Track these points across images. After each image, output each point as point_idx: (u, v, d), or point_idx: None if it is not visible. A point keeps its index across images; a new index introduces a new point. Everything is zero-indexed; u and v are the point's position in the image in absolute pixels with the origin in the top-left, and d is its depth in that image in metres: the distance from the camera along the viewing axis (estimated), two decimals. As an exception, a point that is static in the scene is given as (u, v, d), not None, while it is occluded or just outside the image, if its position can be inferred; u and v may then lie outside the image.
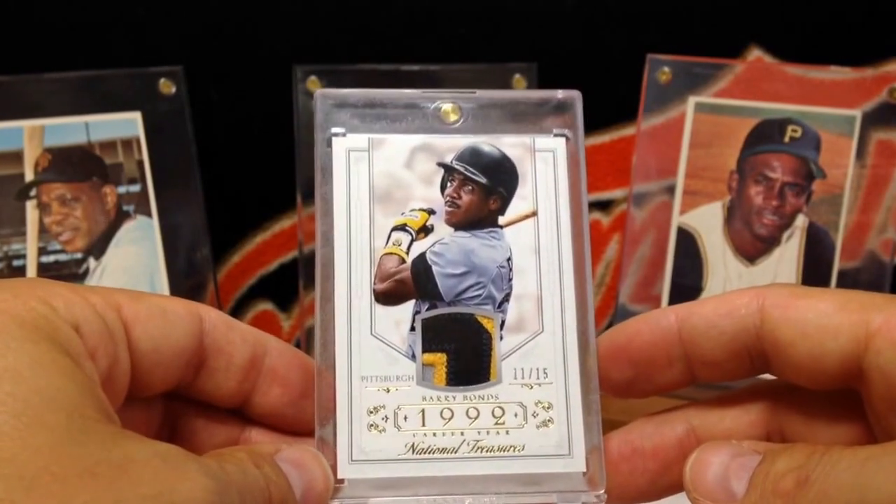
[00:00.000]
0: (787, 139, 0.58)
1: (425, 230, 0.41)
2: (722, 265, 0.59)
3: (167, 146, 0.69)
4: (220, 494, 0.24)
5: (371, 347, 0.39)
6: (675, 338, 0.34)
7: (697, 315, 0.32)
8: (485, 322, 0.40)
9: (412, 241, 0.40)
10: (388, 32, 0.74)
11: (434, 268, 0.40)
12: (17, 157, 0.64)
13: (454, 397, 0.39)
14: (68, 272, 0.66)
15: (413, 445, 0.38)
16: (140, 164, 0.68)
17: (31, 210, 0.65)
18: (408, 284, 0.40)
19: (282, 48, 0.75)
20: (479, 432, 0.39)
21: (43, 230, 0.65)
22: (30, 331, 0.23)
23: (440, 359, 0.40)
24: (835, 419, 0.30)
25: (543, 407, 0.39)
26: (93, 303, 0.27)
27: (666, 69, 0.59)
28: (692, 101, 0.59)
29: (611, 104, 0.72)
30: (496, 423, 0.39)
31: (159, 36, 0.75)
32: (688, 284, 0.58)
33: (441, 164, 0.41)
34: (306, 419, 0.38)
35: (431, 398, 0.39)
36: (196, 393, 0.35)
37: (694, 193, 0.59)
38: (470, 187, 0.41)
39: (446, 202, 0.41)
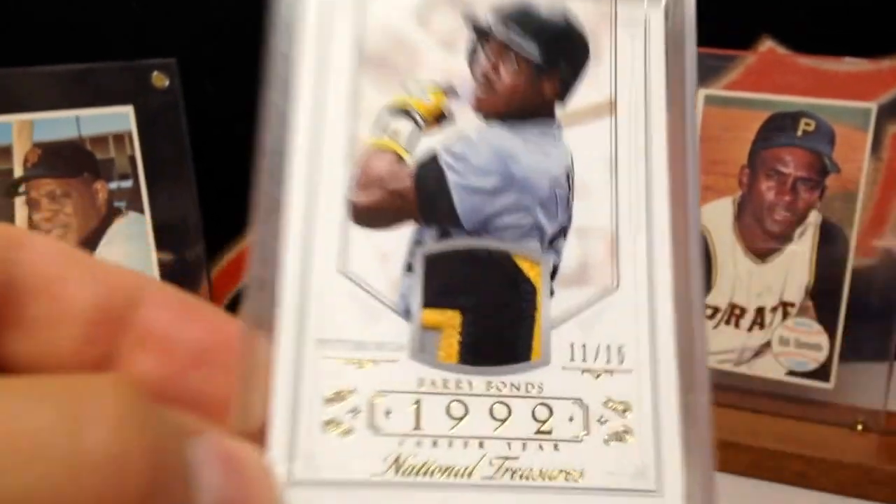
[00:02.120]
0: (799, 133, 0.57)
1: (440, 118, 0.25)
2: (732, 263, 0.56)
3: (160, 141, 0.68)
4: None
5: (338, 293, 0.24)
6: None
7: None
8: (527, 267, 0.25)
9: (419, 131, 0.25)
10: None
11: (451, 176, 0.25)
12: (5, 152, 0.64)
13: (471, 384, 0.24)
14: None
15: (398, 461, 0.23)
16: (132, 159, 0.67)
17: (19, 206, 0.65)
18: (407, 198, 0.25)
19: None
20: (509, 444, 0.23)
21: (32, 227, 0.64)
22: None
23: (451, 320, 0.24)
24: None
25: (616, 409, 0.24)
26: None
27: (676, 60, 0.54)
28: (702, 93, 0.57)
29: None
30: (539, 431, 0.24)
31: (152, 28, 0.74)
32: (695, 283, 0.53)
33: (472, 22, 0.26)
34: (202, 407, 0.22)
35: (434, 383, 0.24)
36: (7, 356, 0.20)
37: (703, 188, 0.57)
38: (514, 60, 0.26)
39: (476, 79, 0.25)
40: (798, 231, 0.57)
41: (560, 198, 0.25)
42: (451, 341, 0.24)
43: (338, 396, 0.23)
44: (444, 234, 0.25)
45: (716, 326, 0.57)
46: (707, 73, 0.58)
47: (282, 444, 0.22)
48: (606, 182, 0.26)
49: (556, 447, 0.24)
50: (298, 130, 0.25)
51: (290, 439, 0.22)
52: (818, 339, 0.54)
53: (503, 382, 0.24)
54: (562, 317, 0.25)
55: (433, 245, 0.25)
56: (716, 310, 0.57)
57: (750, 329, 0.56)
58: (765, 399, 0.54)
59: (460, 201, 0.25)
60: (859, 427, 0.51)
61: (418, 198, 0.25)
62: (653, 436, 0.24)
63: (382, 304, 0.24)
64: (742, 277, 0.58)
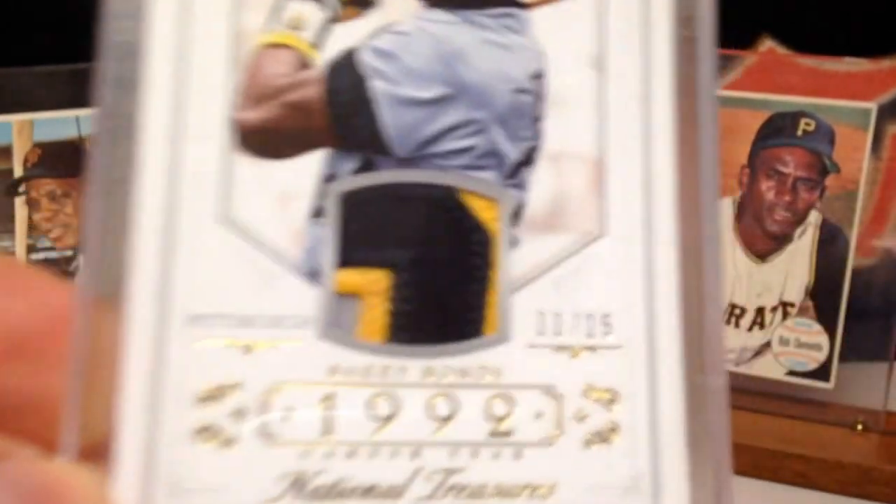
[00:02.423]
0: (799, 133, 0.58)
1: (361, 1, 0.18)
2: (732, 263, 0.58)
3: (160, 140, 0.62)
4: None
5: (217, 250, 0.17)
6: None
7: None
8: (479, 207, 0.18)
9: (331, 21, 0.18)
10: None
11: (376, 83, 0.18)
12: (5, 152, 0.63)
13: (404, 371, 0.17)
14: (58, 269, 0.63)
15: (301, 479, 0.17)
16: (133, 159, 0.62)
17: (19, 206, 0.63)
18: (314, 115, 0.18)
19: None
20: (454, 452, 0.17)
21: (32, 227, 0.63)
22: None
23: (377, 283, 0.18)
24: None
25: (601, 399, 0.18)
26: None
27: (676, 60, 0.55)
28: None
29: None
30: (495, 433, 0.17)
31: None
32: (695, 284, 0.57)
33: None
34: (19, 412, 0.16)
35: (352, 371, 0.17)
36: None
37: None
38: (461, -82, 0.19)
39: (409, -55, 0.18)
40: (798, 231, 0.58)
41: (526, 111, 0.18)
42: (376, 313, 0.18)
43: (215, 393, 0.17)
44: (366, 165, 0.18)
45: None
46: None
47: (134, 461, 0.16)
48: (591, 88, 0.19)
49: (518, 454, 0.17)
50: (157, 21, 0.18)
51: (146, 455, 0.16)
52: (818, 339, 0.55)
53: (447, 367, 0.18)
54: (527, 275, 0.18)
55: (351, 180, 0.18)
56: None
57: (750, 329, 0.58)
58: (765, 399, 0.56)
59: (389, 118, 0.18)
60: (859, 427, 0.52)
61: (330, 114, 0.18)
62: (648, 435, 0.18)
63: (280, 263, 0.17)
64: (742, 277, 0.59)
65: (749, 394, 0.56)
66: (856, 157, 0.57)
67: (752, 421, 0.52)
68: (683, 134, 0.19)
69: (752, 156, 0.59)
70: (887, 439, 0.51)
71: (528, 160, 0.18)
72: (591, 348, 0.18)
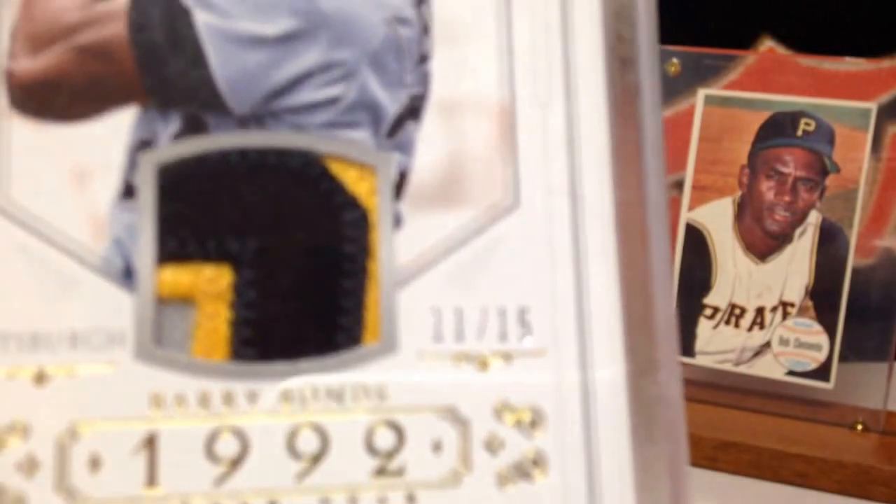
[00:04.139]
0: (799, 133, 0.59)
1: (181, -88, 0.14)
2: (731, 263, 0.59)
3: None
4: None
5: (-8, 246, 0.13)
6: None
7: None
8: (350, 178, 0.14)
9: (140, -61, 0.14)
10: None
11: (200, 15, 0.13)
12: None
13: (254, 396, 0.13)
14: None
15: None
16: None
17: None
18: (117, 59, 0.13)
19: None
20: (324, 501, 0.13)
21: None
22: None
23: (213, 283, 0.13)
24: None
25: (520, 422, 0.13)
26: None
27: (675, 60, 0.60)
28: (702, 93, 0.60)
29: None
30: (380, 472, 0.13)
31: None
32: (695, 283, 0.58)
33: None
34: None
35: (182, 400, 0.13)
36: None
37: (703, 189, 0.60)
38: None
39: None
40: (798, 231, 0.58)
41: (406, 48, 0.14)
42: (214, 323, 0.13)
43: (-8, 441, 0.12)
44: (192, 127, 0.13)
45: (715, 326, 0.58)
46: (707, 73, 0.61)
47: None
48: (492, 13, 0.14)
49: (411, 498, 0.13)
50: None
51: None
52: (818, 339, 0.56)
53: (313, 390, 0.13)
54: (417, 263, 0.14)
55: (172, 148, 0.13)
56: (716, 310, 0.59)
57: (750, 329, 0.58)
58: (764, 399, 0.56)
59: (220, 63, 0.13)
60: (859, 427, 0.53)
61: (138, 59, 0.13)
62: (584, 466, 0.13)
63: (78, 261, 0.13)
64: (742, 277, 0.60)
65: (749, 394, 0.56)
66: (856, 157, 0.58)
67: (752, 421, 0.52)
68: (618, 73, 0.15)
69: (752, 156, 0.59)
70: (887, 439, 0.51)
71: (411, 113, 0.14)
72: (505, 356, 0.14)
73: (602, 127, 0.14)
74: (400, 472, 0.13)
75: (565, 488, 0.13)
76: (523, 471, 0.13)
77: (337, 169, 0.14)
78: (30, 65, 0.13)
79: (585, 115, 0.14)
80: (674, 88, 0.62)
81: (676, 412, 0.14)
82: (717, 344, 0.57)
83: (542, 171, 0.14)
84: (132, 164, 0.13)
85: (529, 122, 0.14)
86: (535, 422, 0.14)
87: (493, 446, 0.13)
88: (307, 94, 0.14)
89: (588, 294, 0.14)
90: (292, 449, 0.13)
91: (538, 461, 0.13)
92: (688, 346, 0.52)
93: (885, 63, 0.59)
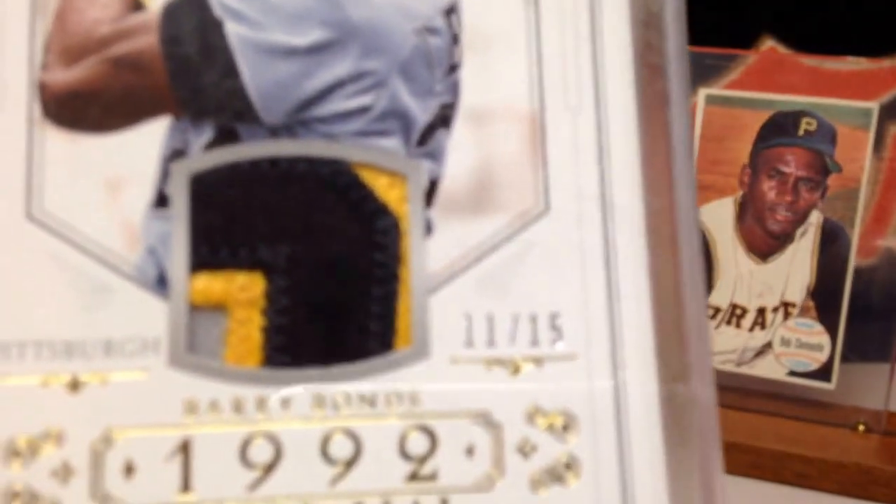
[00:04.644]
0: (801, 132, 0.58)
1: (212, -74, 0.14)
2: (733, 263, 0.58)
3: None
4: None
5: (25, 255, 0.13)
6: None
7: None
8: (381, 186, 0.14)
9: (172, -47, 0.14)
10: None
11: (232, 27, 0.13)
12: None
13: (287, 403, 0.13)
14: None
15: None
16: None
17: None
18: (149, 71, 0.13)
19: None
20: (358, 508, 0.13)
21: None
22: None
23: (245, 289, 0.13)
24: None
25: (553, 426, 0.13)
26: None
27: (676, 60, 0.54)
28: (703, 93, 0.59)
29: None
30: (414, 477, 0.13)
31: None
32: (696, 283, 0.57)
33: None
34: None
35: (217, 407, 0.13)
36: None
37: (704, 188, 0.58)
38: None
39: None
40: (799, 231, 0.58)
41: (436, 56, 0.14)
42: (247, 329, 0.13)
43: (29, 446, 0.12)
44: (224, 137, 0.14)
45: (717, 327, 0.58)
46: (707, 73, 0.61)
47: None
48: (521, 22, 0.14)
49: (444, 504, 0.13)
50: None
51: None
52: (819, 339, 0.56)
53: (346, 395, 0.13)
54: (448, 270, 0.14)
55: (204, 157, 0.13)
56: (717, 310, 0.59)
57: (751, 329, 0.57)
58: (766, 399, 0.55)
59: (252, 74, 0.14)
60: (861, 428, 0.52)
61: (170, 70, 0.13)
62: (617, 470, 0.13)
63: (112, 269, 0.13)
64: (743, 277, 0.59)
65: (750, 394, 0.55)
66: (857, 157, 0.57)
67: (753, 421, 0.51)
68: (647, 80, 0.15)
69: (754, 155, 0.58)
70: (889, 440, 0.50)
71: (441, 121, 0.14)
72: (537, 360, 0.14)
73: (632, 133, 0.14)
74: (433, 477, 0.13)
75: (598, 492, 0.13)
76: (556, 475, 0.13)
77: (368, 177, 0.14)
78: (63, 76, 0.13)
79: (615, 121, 0.14)
80: (674, 88, 0.66)
81: (709, 417, 0.14)
82: (718, 344, 0.57)
83: (573, 178, 0.14)
84: (165, 174, 0.13)
85: (559, 128, 0.14)
86: (568, 426, 0.14)
87: (525, 450, 0.13)
88: (338, 104, 0.14)
89: (619, 299, 0.14)
90: (326, 454, 0.13)
91: (571, 465, 0.13)
92: (688, 347, 0.52)
93: (887, 62, 0.58)
